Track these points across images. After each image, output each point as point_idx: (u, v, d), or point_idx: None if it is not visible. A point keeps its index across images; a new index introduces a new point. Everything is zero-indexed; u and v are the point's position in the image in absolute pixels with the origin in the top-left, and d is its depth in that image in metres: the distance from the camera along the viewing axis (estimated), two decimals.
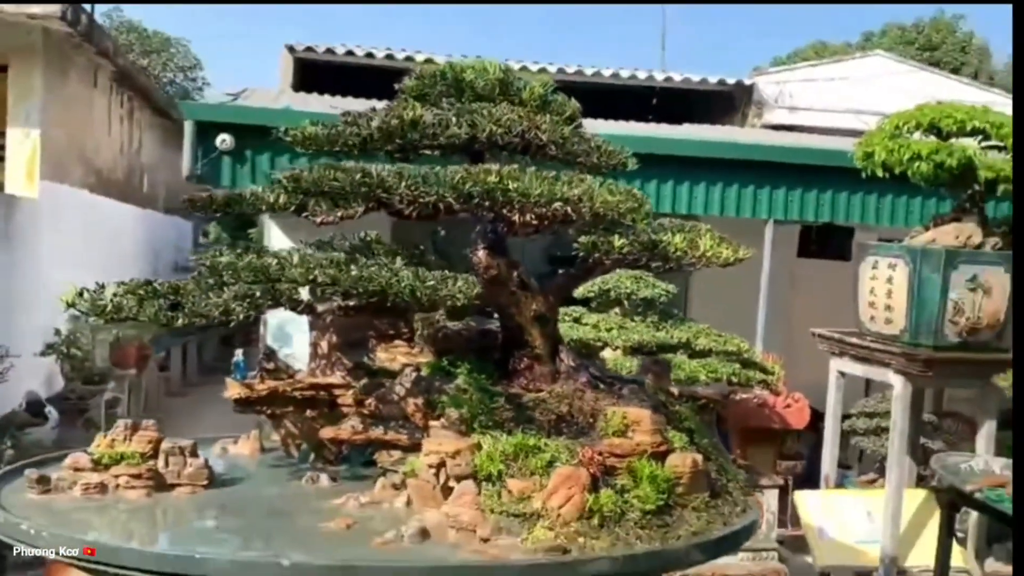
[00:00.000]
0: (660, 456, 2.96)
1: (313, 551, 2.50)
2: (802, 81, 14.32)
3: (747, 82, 13.95)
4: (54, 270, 10.06)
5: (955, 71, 28.59)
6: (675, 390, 4.80)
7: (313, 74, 12.88)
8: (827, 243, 11.87)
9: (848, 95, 13.81)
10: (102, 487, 2.84)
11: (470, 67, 3.10)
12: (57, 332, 9.19)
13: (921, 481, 6.61)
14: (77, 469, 2.88)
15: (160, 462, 2.92)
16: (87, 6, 10.36)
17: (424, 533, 2.62)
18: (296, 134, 3.02)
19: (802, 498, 6.11)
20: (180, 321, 2.60)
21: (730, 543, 2.99)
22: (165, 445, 2.95)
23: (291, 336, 9.87)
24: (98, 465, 2.89)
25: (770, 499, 8.06)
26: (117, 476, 2.85)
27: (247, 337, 23.61)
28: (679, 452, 3.03)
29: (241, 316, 2.72)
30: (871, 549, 5.72)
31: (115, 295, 2.67)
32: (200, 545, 2.48)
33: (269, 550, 2.49)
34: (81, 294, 2.67)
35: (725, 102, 14.24)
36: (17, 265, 9.02)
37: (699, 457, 3.05)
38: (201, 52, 44.28)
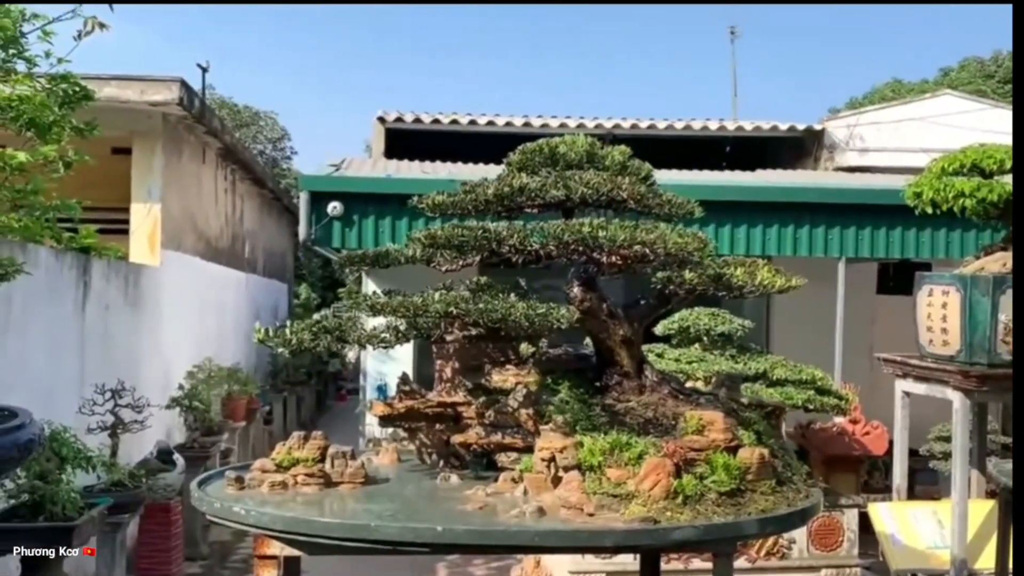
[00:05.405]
0: (732, 450, 3.56)
1: (457, 523, 3.18)
2: (871, 124, 14.40)
3: (817, 127, 14.16)
4: (173, 330, 10.96)
5: None
6: (745, 400, 5.40)
7: (400, 140, 13.79)
8: (906, 280, 12.10)
9: (918, 135, 13.85)
10: (283, 484, 3.56)
11: (562, 142, 3.83)
12: (181, 387, 9.98)
13: (994, 495, 7.00)
14: (264, 471, 3.62)
15: (327, 464, 3.65)
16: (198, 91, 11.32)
17: (541, 511, 3.28)
18: (428, 202, 3.78)
19: (875, 508, 6.58)
20: (346, 349, 3.32)
21: (793, 520, 3.55)
22: (331, 451, 3.68)
23: (389, 384, 10.75)
24: (279, 467, 3.62)
25: (850, 519, 8.49)
26: (295, 475, 3.58)
27: (340, 395, 24.73)
28: (748, 447, 3.64)
29: (391, 343, 3.45)
30: (942, 554, 6.15)
31: (294, 332, 3.42)
32: (371, 520, 3.17)
33: (424, 523, 3.17)
34: (267, 332, 3.42)
35: (797, 147, 14.49)
36: (142, 326, 9.81)
37: (765, 451, 3.65)
38: (287, 123, 46.33)
